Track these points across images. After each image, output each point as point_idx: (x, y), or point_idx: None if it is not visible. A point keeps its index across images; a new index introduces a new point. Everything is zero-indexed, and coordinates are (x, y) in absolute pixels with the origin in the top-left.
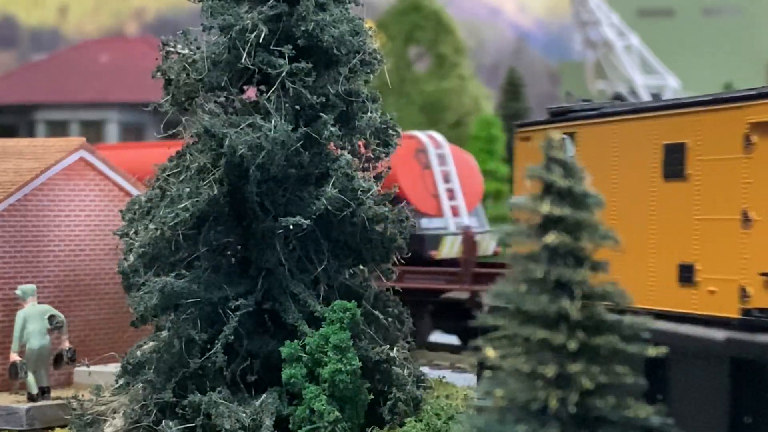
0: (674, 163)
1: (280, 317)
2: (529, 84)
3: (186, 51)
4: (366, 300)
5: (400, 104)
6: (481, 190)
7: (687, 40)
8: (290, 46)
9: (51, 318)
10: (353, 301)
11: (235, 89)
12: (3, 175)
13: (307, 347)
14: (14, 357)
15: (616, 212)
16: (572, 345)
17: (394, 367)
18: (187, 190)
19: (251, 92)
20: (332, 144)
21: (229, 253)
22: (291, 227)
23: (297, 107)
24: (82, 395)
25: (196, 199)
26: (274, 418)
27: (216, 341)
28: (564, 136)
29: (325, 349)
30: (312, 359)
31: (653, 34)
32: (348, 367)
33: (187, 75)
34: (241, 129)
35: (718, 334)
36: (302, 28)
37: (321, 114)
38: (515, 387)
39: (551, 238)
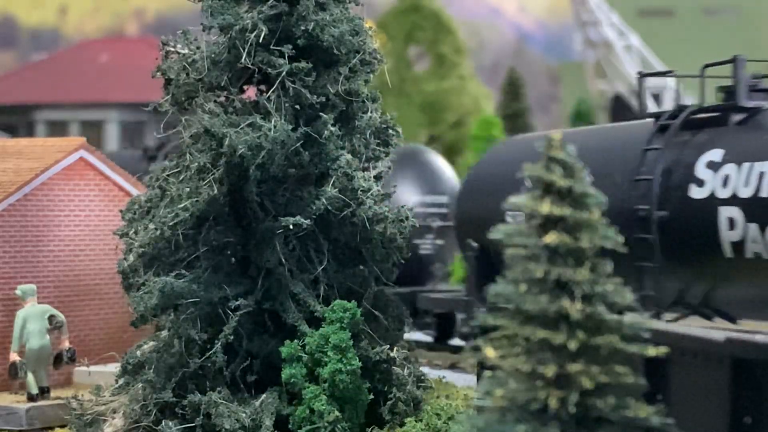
0: None
1: (280, 317)
2: (529, 84)
3: (186, 51)
4: (366, 300)
5: (400, 104)
6: None
7: (687, 40)
8: (290, 46)
9: (51, 318)
10: (353, 301)
11: (235, 89)
12: (3, 175)
13: (307, 347)
14: (14, 357)
15: None
16: (572, 345)
17: (394, 367)
18: (187, 190)
19: (251, 92)
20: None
21: (229, 252)
22: (291, 227)
23: (297, 107)
24: (82, 395)
25: (195, 199)
26: (274, 418)
27: (216, 341)
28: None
29: (325, 349)
30: (312, 359)
31: (653, 34)
32: (348, 367)
33: (187, 75)
34: (241, 129)
35: (718, 334)
36: (302, 28)
37: (321, 114)
38: (515, 387)
39: (551, 238)
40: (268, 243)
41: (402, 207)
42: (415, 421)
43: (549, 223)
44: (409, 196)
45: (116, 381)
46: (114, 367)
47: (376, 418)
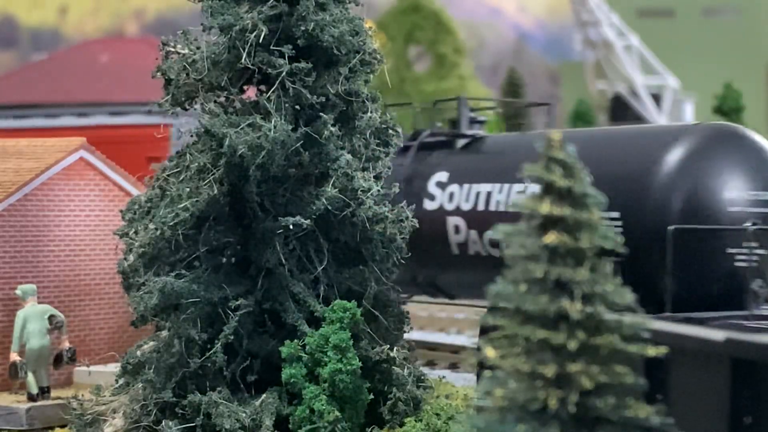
0: None
1: (280, 317)
2: (529, 84)
3: (186, 51)
4: (366, 300)
5: None
6: None
7: (687, 40)
8: (290, 46)
9: (51, 318)
10: (353, 301)
11: (235, 89)
12: (3, 175)
13: (307, 347)
14: (14, 357)
15: None
16: (572, 345)
17: (394, 367)
18: (187, 190)
19: (251, 92)
20: None
21: (229, 253)
22: (291, 227)
23: (297, 107)
24: (82, 395)
25: (196, 199)
26: (274, 418)
27: (216, 341)
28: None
29: (325, 349)
30: (312, 359)
31: (653, 34)
32: (348, 367)
33: (187, 75)
34: (241, 129)
35: (718, 335)
36: (302, 28)
37: (321, 114)
38: (515, 387)
39: (551, 238)
40: (268, 243)
41: (401, 207)
42: (415, 421)
43: (549, 223)
44: (728, 191)
45: (116, 381)
46: (114, 367)
47: (376, 418)
